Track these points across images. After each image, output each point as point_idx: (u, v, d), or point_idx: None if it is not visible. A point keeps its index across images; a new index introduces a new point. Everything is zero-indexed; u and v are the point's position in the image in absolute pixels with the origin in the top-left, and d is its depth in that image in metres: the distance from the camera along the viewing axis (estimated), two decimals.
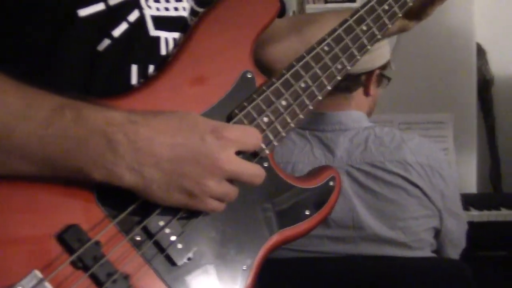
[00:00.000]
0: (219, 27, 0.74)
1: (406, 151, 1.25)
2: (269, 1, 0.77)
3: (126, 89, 0.69)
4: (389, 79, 1.42)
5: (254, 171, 0.66)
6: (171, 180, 0.61)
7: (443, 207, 1.28)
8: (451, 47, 2.22)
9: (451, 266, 1.28)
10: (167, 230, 0.63)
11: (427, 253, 1.29)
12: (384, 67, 1.38)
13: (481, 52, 2.33)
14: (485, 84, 2.35)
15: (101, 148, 0.58)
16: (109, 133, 0.59)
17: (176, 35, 0.74)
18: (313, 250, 1.24)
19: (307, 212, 0.75)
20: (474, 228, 1.48)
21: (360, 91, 1.35)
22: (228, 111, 0.70)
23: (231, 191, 0.64)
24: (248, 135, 0.66)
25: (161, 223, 0.63)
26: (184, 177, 0.61)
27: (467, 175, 2.22)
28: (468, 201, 1.97)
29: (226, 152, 0.63)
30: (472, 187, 2.23)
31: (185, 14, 0.76)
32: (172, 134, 0.61)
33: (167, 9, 0.74)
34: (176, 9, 0.75)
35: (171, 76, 0.70)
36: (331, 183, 0.79)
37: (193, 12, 0.77)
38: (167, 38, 0.73)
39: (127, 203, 0.62)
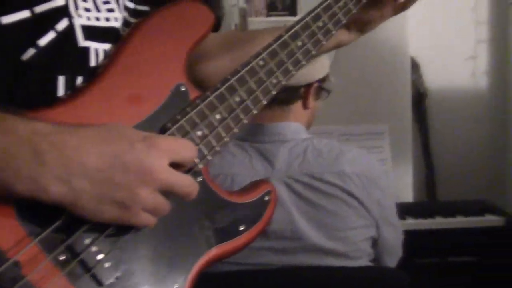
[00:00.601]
0: (152, 38, 0.72)
1: (344, 162, 1.27)
2: (203, 15, 0.76)
3: (52, 101, 0.65)
4: (328, 92, 1.43)
5: (187, 183, 0.63)
6: (101, 191, 0.58)
7: (380, 216, 1.30)
8: (387, 61, 2.29)
9: (388, 274, 1.30)
10: (93, 248, 0.60)
11: (365, 262, 1.30)
12: (323, 80, 1.39)
13: (415, 66, 2.42)
14: (419, 97, 2.43)
15: (26, 158, 0.55)
16: (35, 142, 0.56)
17: (106, 46, 0.72)
18: (252, 262, 1.22)
19: (241, 228, 0.74)
20: (410, 237, 1.51)
21: (299, 103, 1.36)
22: (160, 125, 0.68)
23: (164, 203, 0.62)
24: (181, 147, 0.65)
25: (87, 241, 0.60)
26: (116, 187, 0.58)
27: (404, 185, 2.28)
28: (405, 210, 2.02)
29: (159, 161, 0.60)
30: (408, 196, 2.29)
31: (117, 25, 0.74)
32: (101, 143, 0.59)
33: (97, 19, 0.71)
34: (107, 19, 0.73)
35: (101, 88, 0.67)
36: (266, 198, 0.78)
37: (126, 23, 0.75)
38: (97, 49, 0.71)
39: (51, 219, 0.58)
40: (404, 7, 0.97)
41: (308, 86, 1.35)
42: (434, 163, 2.47)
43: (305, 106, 1.36)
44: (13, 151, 0.55)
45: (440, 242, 2.02)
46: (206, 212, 0.72)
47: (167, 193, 0.62)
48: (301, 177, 1.24)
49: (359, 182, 1.27)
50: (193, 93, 0.73)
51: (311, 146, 1.28)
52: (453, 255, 2.02)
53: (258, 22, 2.32)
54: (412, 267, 1.80)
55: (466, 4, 2.50)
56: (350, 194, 1.25)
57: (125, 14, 0.76)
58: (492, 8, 2.49)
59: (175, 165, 0.63)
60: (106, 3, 0.73)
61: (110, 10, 0.73)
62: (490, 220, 2.01)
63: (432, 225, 1.99)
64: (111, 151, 0.59)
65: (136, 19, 0.76)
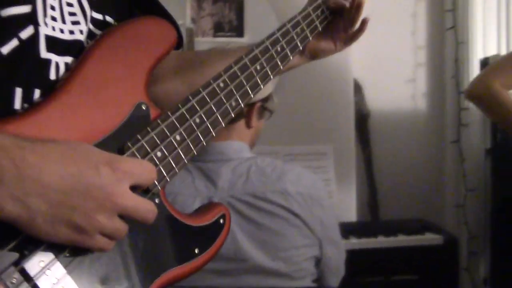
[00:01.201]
0: (114, 54, 0.70)
1: (287, 182, 1.27)
2: (166, 32, 0.75)
3: (8, 113, 0.62)
4: (271, 112, 1.43)
5: (147, 208, 0.63)
6: (58, 212, 0.56)
7: (322, 236, 1.31)
8: (331, 83, 2.33)
9: None
10: (47, 272, 0.58)
11: (308, 282, 1.30)
12: (266, 99, 1.39)
13: (358, 87, 2.47)
14: (362, 118, 2.48)
15: None
16: None
17: (68, 59, 0.69)
18: (196, 285, 1.19)
19: (196, 251, 0.74)
20: (353, 256, 1.53)
21: (242, 122, 1.35)
22: (120, 144, 0.66)
23: (122, 228, 0.61)
24: (143, 169, 0.63)
25: (42, 264, 0.58)
26: (74, 210, 0.57)
27: (347, 205, 2.31)
28: (348, 229, 2.04)
29: (120, 186, 0.59)
30: (352, 216, 2.32)
31: (81, 37, 0.72)
32: (64, 163, 0.57)
33: (62, 31, 0.69)
34: (71, 32, 0.70)
35: (61, 103, 0.64)
36: (221, 221, 0.78)
37: (90, 34, 0.73)
38: (58, 62, 0.68)
39: (6, 240, 0.56)
40: (353, 38, 1.02)
41: (251, 105, 1.35)
42: (376, 183, 2.52)
43: (248, 125, 1.36)
44: None
45: (383, 261, 2.05)
46: (163, 234, 0.71)
47: (126, 217, 0.61)
48: (244, 196, 1.23)
49: (302, 201, 1.27)
50: (154, 112, 0.71)
51: (255, 166, 1.28)
52: (396, 274, 2.05)
53: (205, 42, 2.31)
54: (355, 286, 1.82)
55: (406, 29, 2.59)
56: (293, 213, 1.24)
57: (91, 26, 0.73)
58: (430, 33, 2.59)
59: (135, 187, 0.62)
60: (72, 14, 0.71)
61: (75, 23, 0.71)
62: (430, 238, 2.06)
63: (374, 244, 2.02)
64: (74, 172, 0.57)
65: (101, 31, 0.74)
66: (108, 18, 0.77)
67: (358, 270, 1.78)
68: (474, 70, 2.44)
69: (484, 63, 2.44)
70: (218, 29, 2.36)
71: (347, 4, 0.98)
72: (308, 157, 2.26)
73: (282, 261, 1.23)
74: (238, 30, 2.37)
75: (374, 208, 2.50)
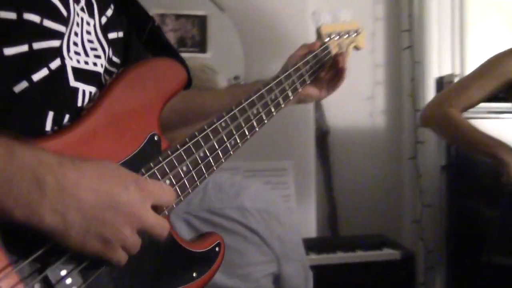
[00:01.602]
0: (133, 89, 0.78)
1: (245, 198, 1.26)
2: (177, 73, 0.84)
3: (40, 134, 0.70)
4: None
5: (164, 225, 0.70)
6: (91, 225, 0.62)
7: (281, 253, 1.30)
8: None
9: None
10: (68, 281, 0.64)
11: None
12: None
13: (318, 104, 2.50)
14: (322, 134, 2.51)
15: (28, 186, 0.59)
16: (39, 173, 0.60)
17: (92, 89, 0.78)
18: None
19: (194, 274, 0.81)
20: (313, 272, 1.52)
21: None
22: (135, 169, 0.73)
23: (138, 243, 0.67)
24: (164, 192, 0.72)
25: (63, 273, 0.64)
26: (104, 223, 0.63)
27: (307, 220, 2.32)
28: (308, 245, 2.04)
29: (145, 204, 0.67)
30: (311, 231, 2.33)
31: (101, 70, 0.81)
32: (98, 180, 0.64)
33: (86, 63, 0.78)
34: (95, 64, 0.79)
35: (88, 128, 0.72)
36: (217, 249, 0.86)
37: (106, 70, 0.82)
38: (85, 91, 0.76)
39: (33, 249, 0.62)
40: (335, 87, 1.22)
41: None
42: (336, 199, 2.54)
43: None
44: (18, 179, 0.59)
45: (342, 276, 2.06)
46: (166, 255, 0.78)
47: (144, 233, 0.68)
48: (201, 213, 1.22)
49: (259, 218, 1.26)
50: (164, 143, 0.80)
51: (212, 181, 1.27)
52: None
53: None
54: None
55: (365, 48, 2.63)
56: (251, 229, 1.24)
57: (105, 62, 0.83)
58: (388, 52, 2.65)
59: (155, 207, 0.69)
60: (93, 49, 0.80)
61: (97, 56, 0.80)
62: (388, 253, 2.08)
63: (333, 260, 2.03)
64: (107, 189, 0.64)
65: (114, 68, 0.84)
66: (116, 59, 0.87)
67: (318, 286, 1.78)
68: (430, 89, 2.51)
69: (439, 82, 2.52)
70: (181, 44, 2.36)
71: (336, 65, 1.19)
72: (269, 173, 2.27)
73: (239, 278, 1.22)
74: (201, 45, 2.37)
75: (333, 224, 2.51)
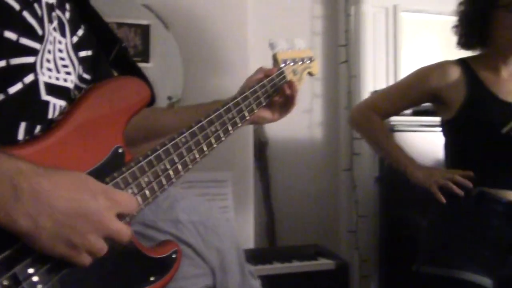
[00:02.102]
0: (100, 104, 0.84)
1: (179, 210, 1.25)
2: (141, 91, 0.91)
3: (12, 142, 0.76)
4: None
5: (127, 232, 0.76)
6: (60, 230, 0.68)
7: (217, 265, 1.29)
8: None
9: None
10: (35, 278, 0.69)
11: None
12: None
13: None
14: (260, 145, 2.52)
15: (5, 192, 0.65)
16: (16, 180, 0.65)
17: (62, 103, 0.84)
18: None
19: (152, 278, 0.87)
20: None
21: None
22: (99, 179, 0.77)
23: (104, 248, 0.73)
24: (130, 202, 0.78)
25: (30, 271, 0.69)
26: (73, 229, 0.68)
27: (245, 232, 2.33)
28: (245, 256, 2.05)
29: (111, 212, 0.73)
30: (249, 243, 2.33)
31: (71, 86, 0.88)
32: (69, 189, 0.69)
33: (57, 78, 0.85)
34: (65, 80, 0.86)
35: (57, 139, 0.78)
36: (173, 255, 0.94)
37: (76, 86, 0.89)
38: (55, 104, 0.83)
39: (3, 248, 0.67)
40: (287, 111, 1.29)
41: None
42: (274, 210, 2.56)
43: None
44: None
45: (279, 287, 2.08)
46: (127, 259, 0.84)
47: (108, 239, 0.73)
48: (134, 225, 1.19)
49: (194, 230, 1.25)
50: (128, 156, 0.86)
51: None
52: None
53: None
54: None
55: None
56: (185, 242, 1.22)
57: (75, 78, 0.90)
58: (326, 66, 2.72)
59: (119, 215, 0.76)
60: (64, 66, 0.87)
61: (68, 73, 0.87)
62: (323, 263, 2.12)
63: (270, 271, 2.05)
64: (77, 198, 0.70)
65: (84, 84, 0.91)
66: (86, 76, 0.94)
67: None
68: None
69: None
70: None
71: (288, 91, 1.26)
72: (207, 184, 2.26)
73: None
74: (144, 55, 2.34)
75: (271, 235, 2.53)
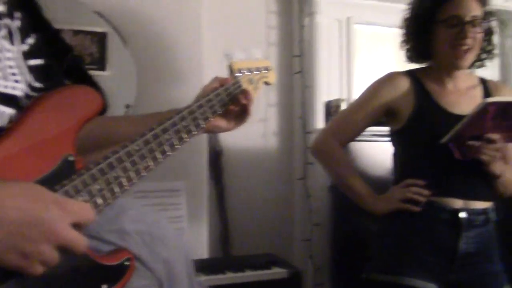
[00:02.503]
0: (50, 113, 0.85)
1: (125, 220, 1.23)
2: (93, 100, 0.92)
3: None
4: None
5: (82, 242, 0.76)
6: (12, 240, 0.67)
7: (166, 276, 1.28)
8: None
9: None
10: None
11: None
12: None
13: None
14: (215, 155, 2.52)
15: None
16: None
17: (11, 111, 0.84)
18: None
19: (104, 286, 0.87)
20: None
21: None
22: (49, 187, 0.77)
23: (56, 258, 0.72)
24: (84, 210, 0.77)
25: None
26: (24, 239, 0.68)
27: (199, 242, 2.31)
28: (198, 266, 2.02)
29: (64, 221, 0.72)
30: (203, 252, 2.32)
31: (20, 94, 0.87)
32: (21, 200, 0.69)
33: (5, 86, 0.85)
34: (14, 88, 0.86)
35: (7, 147, 0.78)
36: (126, 263, 0.94)
37: (27, 95, 0.89)
38: (4, 112, 0.83)
39: None
40: (242, 121, 1.31)
41: None
42: (229, 219, 2.55)
43: None
44: None
45: None
46: (79, 268, 0.84)
47: (62, 248, 0.73)
48: None
49: (141, 241, 1.23)
50: (79, 164, 0.86)
51: None
52: None
53: None
54: None
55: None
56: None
57: (26, 87, 0.89)
58: (280, 76, 2.74)
59: (75, 225, 0.75)
60: (13, 74, 0.87)
61: (16, 81, 0.87)
62: (276, 272, 2.12)
63: (223, 280, 2.04)
64: (28, 207, 0.69)
65: (35, 93, 0.90)
66: (37, 85, 0.93)
67: None
68: (319, 112, 2.62)
69: (328, 105, 2.64)
70: None
71: (244, 101, 1.26)
72: (160, 194, 2.23)
73: None
74: (100, 63, 2.30)
75: (226, 244, 2.52)
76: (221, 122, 1.28)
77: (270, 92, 2.72)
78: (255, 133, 2.69)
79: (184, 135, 1.06)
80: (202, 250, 2.32)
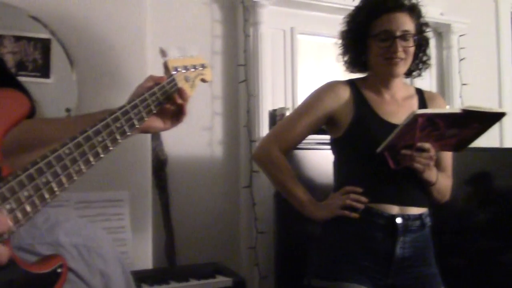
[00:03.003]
0: None
1: (60, 233, 1.20)
2: (19, 103, 0.90)
3: None
4: None
5: (2, 252, 0.76)
6: None
7: None
8: None
9: None
10: None
11: None
12: None
13: (155, 134, 2.49)
14: (159, 164, 2.50)
15: None
16: None
17: None
18: None
19: None
20: None
21: None
22: None
23: None
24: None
25: None
26: None
27: (143, 252, 2.28)
28: (142, 277, 2.02)
29: None
30: (148, 263, 2.29)
31: None
32: None
33: None
34: None
35: None
36: (59, 270, 0.92)
37: None
38: None
39: None
40: (179, 120, 1.27)
41: None
42: (174, 229, 2.53)
43: None
44: None
45: None
46: (11, 280, 0.82)
47: None
48: None
49: (77, 254, 1.21)
50: (6, 170, 0.83)
51: None
52: None
53: None
54: None
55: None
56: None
57: None
58: (225, 85, 2.75)
59: None
60: None
61: None
62: (221, 281, 2.13)
63: None
64: None
65: None
66: None
67: None
68: (264, 120, 2.65)
69: (273, 114, 2.67)
70: (21, 68, 2.20)
71: (179, 101, 1.24)
72: (103, 204, 2.19)
73: None
74: (43, 70, 2.24)
75: (171, 254, 2.50)
76: (157, 122, 1.24)
77: (215, 101, 2.73)
78: (201, 142, 2.69)
79: (118, 136, 1.04)
80: (147, 260, 2.29)
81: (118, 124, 1.04)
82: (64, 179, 0.89)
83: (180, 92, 1.26)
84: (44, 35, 2.23)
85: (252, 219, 2.62)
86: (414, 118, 1.48)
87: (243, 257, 2.68)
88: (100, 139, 0.99)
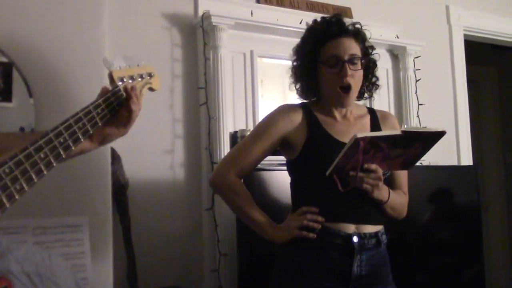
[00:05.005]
0: None
1: (11, 260, 1.19)
2: None
3: None
4: None
5: None
6: None
7: None
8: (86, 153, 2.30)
9: None
10: None
11: None
12: None
13: (116, 157, 2.47)
14: (120, 187, 2.47)
15: None
16: None
17: None
18: None
19: None
20: None
21: None
22: None
23: None
24: None
25: None
26: None
27: (103, 277, 2.24)
28: None
29: None
30: None
31: None
32: None
33: None
34: None
35: None
36: None
37: None
38: None
39: None
40: (130, 122, 1.31)
41: None
42: (136, 253, 2.50)
43: None
44: None
45: None
46: None
47: None
48: None
49: (28, 282, 1.20)
50: None
51: None
52: None
53: None
54: None
55: (164, 103, 2.72)
56: None
57: None
58: (186, 107, 2.77)
59: None
60: None
61: None
62: None
63: None
64: None
65: None
66: None
67: None
68: (225, 142, 2.67)
69: (234, 136, 2.69)
70: None
71: (133, 108, 1.28)
72: (61, 230, 2.15)
73: None
74: (5, 94, 2.20)
75: (133, 280, 2.46)
76: (111, 130, 1.29)
77: (176, 123, 2.73)
78: (162, 165, 2.68)
79: (62, 151, 1.01)
80: (108, 286, 2.25)
81: (61, 139, 1.02)
82: (4, 200, 0.87)
83: (127, 103, 1.29)
84: (6, 59, 2.21)
85: (215, 241, 2.61)
86: (356, 142, 1.51)
87: (206, 280, 2.66)
88: (42, 155, 0.96)
